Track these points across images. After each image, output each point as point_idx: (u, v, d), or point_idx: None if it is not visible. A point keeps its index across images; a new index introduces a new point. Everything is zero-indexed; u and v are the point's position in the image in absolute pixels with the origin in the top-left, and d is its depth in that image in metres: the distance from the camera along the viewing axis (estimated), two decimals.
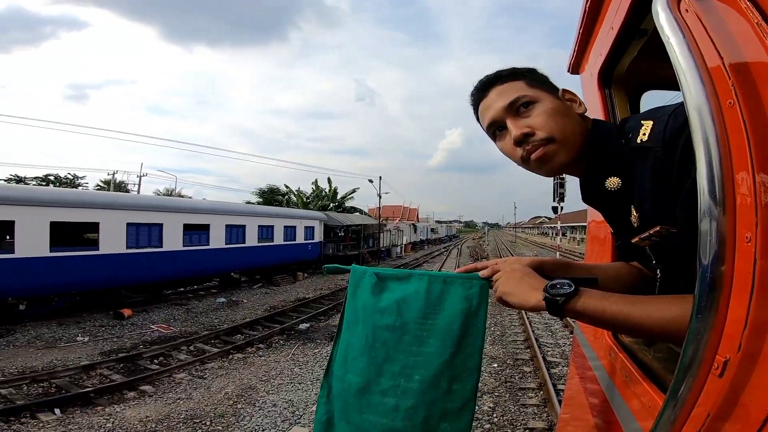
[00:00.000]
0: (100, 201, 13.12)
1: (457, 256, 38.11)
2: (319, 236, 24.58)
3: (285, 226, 21.07)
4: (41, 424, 5.54)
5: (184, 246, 15.06)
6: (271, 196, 36.93)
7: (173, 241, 14.57)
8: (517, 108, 0.97)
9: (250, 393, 6.99)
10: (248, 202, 33.79)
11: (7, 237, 10.72)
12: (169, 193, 34.35)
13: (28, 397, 6.53)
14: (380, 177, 31.27)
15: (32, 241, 10.65)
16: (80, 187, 30.54)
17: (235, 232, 17.85)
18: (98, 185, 32.39)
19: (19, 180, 28.94)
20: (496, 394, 6.68)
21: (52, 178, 31.02)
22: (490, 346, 9.19)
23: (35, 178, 30.34)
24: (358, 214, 35.81)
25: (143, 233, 13.65)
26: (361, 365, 1.11)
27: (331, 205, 36.06)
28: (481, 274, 1.09)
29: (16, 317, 10.80)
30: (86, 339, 10.04)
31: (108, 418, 5.77)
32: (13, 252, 10.34)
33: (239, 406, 6.47)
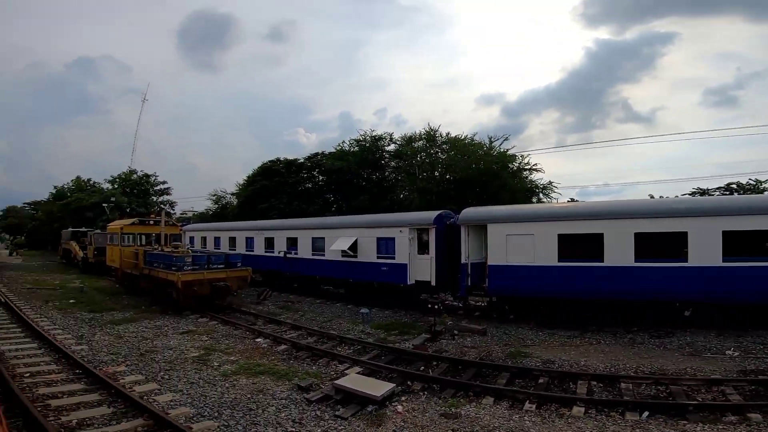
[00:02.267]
0: None
1: None
2: None
3: None
4: (623, 422, 6.36)
5: None
6: None
7: None
8: None
9: None
10: None
11: (685, 249, 11.45)
12: None
13: (637, 395, 7.39)
14: None
15: (706, 251, 11.09)
16: (766, 192, 26.54)
17: None
18: None
19: (703, 192, 29.60)
20: None
21: (734, 186, 29.03)
22: None
23: (718, 188, 29.72)
24: None
25: None
26: None
27: None
28: None
29: (678, 322, 11.75)
30: (735, 354, 9.34)
31: None
32: (686, 261, 11.23)
33: None
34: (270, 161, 36.13)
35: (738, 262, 10.71)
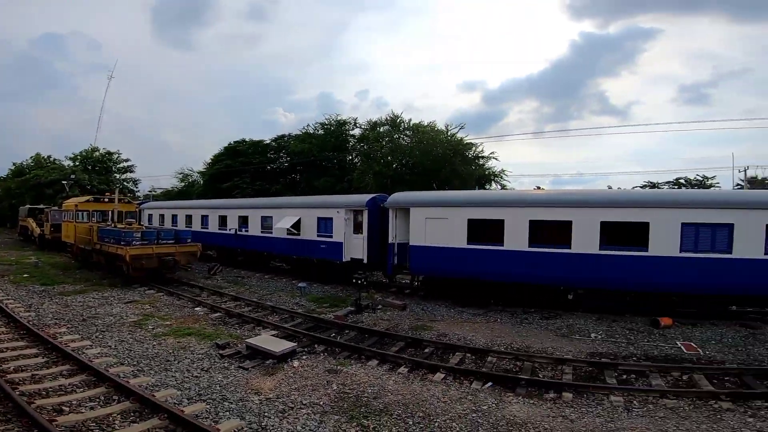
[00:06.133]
0: (649, 199, 12.78)
1: None
2: None
3: None
4: (467, 388, 7.72)
5: (766, 254, 11.43)
6: None
7: (748, 246, 11.49)
8: None
9: None
10: None
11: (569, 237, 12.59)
12: None
13: (496, 369, 8.87)
14: None
15: (584, 240, 12.46)
16: (712, 188, 28.89)
17: None
18: (738, 184, 28.94)
19: (653, 185, 32.04)
20: None
21: (682, 181, 31.62)
22: None
23: (667, 182, 32.27)
24: None
25: (703, 235, 11.87)
26: None
27: None
28: None
29: (564, 306, 13.45)
30: (598, 337, 10.96)
31: (500, 404, 6.97)
32: (569, 247, 12.57)
33: None
34: (236, 142, 37.16)
35: (612, 251, 12.20)
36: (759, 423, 6.19)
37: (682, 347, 10.04)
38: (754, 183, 27.77)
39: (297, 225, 18.31)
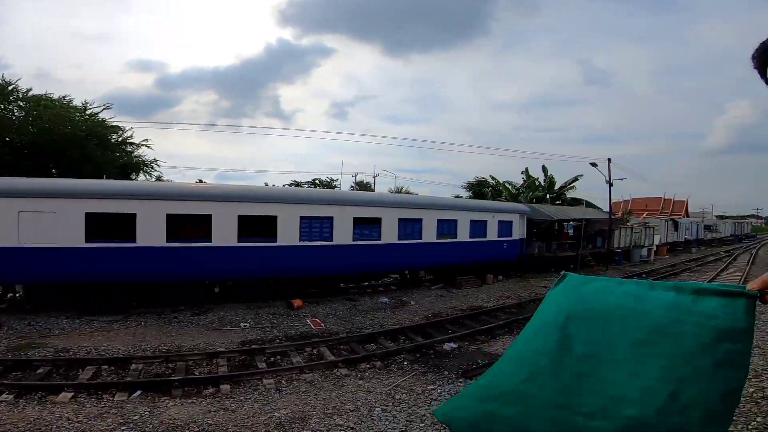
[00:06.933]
0: (277, 196, 15.00)
1: (748, 264, 26.60)
2: (519, 233, 21.52)
3: (471, 221, 19.25)
4: (109, 402, 6.54)
5: (354, 240, 15.39)
6: (478, 189, 35.68)
7: (343, 235, 15.11)
8: None
9: (293, 425, 6.07)
10: (457, 196, 33.68)
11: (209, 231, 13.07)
12: (399, 190, 37.98)
13: (144, 375, 7.87)
14: (609, 159, 24.74)
15: (224, 233, 13.08)
16: (335, 188, 37.35)
17: (410, 227, 17.24)
18: (352, 186, 39.18)
19: (298, 184, 38.66)
20: None
21: (317, 181, 40.00)
22: None
23: (307, 182, 39.99)
24: (582, 207, 29.59)
25: (315, 226, 14.66)
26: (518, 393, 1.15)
27: (548, 196, 31.45)
28: (749, 285, 0.99)
29: (215, 299, 13.65)
30: (247, 325, 11.67)
31: (154, 411, 6.20)
32: (210, 241, 12.86)
33: None
34: None
35: (249, 243, 13.36)
36: (367, 384, 7.86)
37: (311, 324, 12.15)
38: (361, 186, 38.59)
39: None
